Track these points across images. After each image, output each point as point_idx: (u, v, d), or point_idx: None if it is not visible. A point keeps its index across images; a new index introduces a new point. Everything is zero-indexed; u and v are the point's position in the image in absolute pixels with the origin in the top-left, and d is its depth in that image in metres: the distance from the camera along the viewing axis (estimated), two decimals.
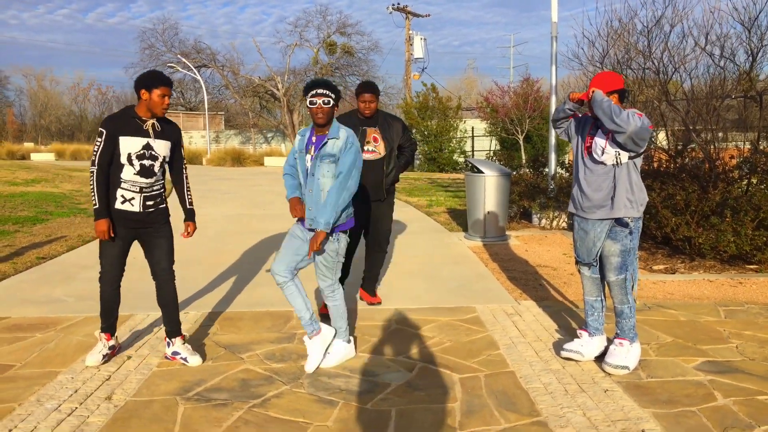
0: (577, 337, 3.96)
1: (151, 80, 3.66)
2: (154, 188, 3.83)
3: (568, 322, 4.72)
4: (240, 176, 20.38)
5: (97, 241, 7.90)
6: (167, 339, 3.99)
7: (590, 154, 3.71)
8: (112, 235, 3.73)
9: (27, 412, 3.21)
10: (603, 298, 3.96)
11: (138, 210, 3.78)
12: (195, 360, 3.90)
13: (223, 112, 42.95)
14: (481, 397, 3.42)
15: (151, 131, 3.75)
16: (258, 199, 13.12)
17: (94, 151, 3.67)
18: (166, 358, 3.97)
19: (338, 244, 3.80)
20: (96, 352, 3.88)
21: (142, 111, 3.72)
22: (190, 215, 4.06)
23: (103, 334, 3.93)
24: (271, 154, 29.69)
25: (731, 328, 4.54)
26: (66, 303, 5.25)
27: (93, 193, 3.67)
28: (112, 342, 3.96)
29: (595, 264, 3.86)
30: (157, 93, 3.67)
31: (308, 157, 3.78)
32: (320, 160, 3.70)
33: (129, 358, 3.99)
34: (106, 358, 3.91)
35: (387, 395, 3.45)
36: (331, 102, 3.69)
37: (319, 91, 3.67)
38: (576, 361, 3.89)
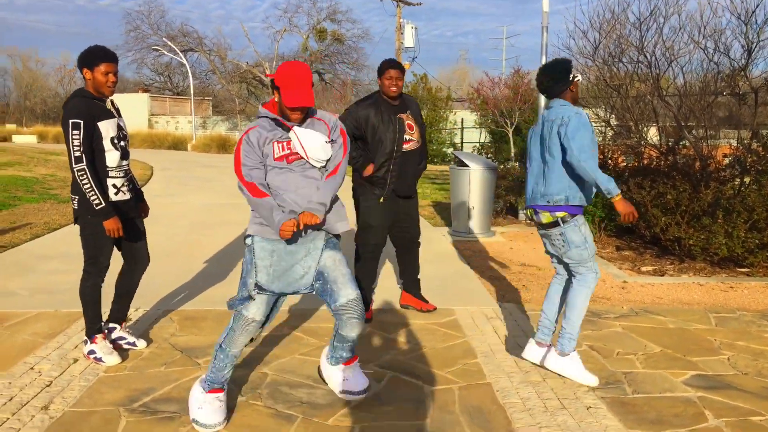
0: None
1: (92, 58, 3.38)
2: (130, 170, 3.68)
3: None
4: (224, 163, 19.97)
5: (66, 230, 7.56)
6: (110, 324, 3.84)
7: None
8: (122, 233, 3.48)
9: None
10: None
11: (129, 197, 3.62)
12: (141, 343, 3.87)
13: (210, 98, 42.31)
14: (453, 413, 3.14)
15: (113, 110, 3.56)
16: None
17: (75, 146, 3.32)
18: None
19: None
20: (107, 353, 3.61)
21: (92, 90, 3.46)
22: (140, 197, 3.85)
23: (99, 335, 3.64)
24: None
25: (722, 337, 4.29)
26: (19, 297, 4.92)
27: (93, 192, 3.34)
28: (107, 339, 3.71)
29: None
30: (100, 71, 3.39)
31: None
32: None
33: (75, 361, 3.67)
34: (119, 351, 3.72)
35: (351, 409, 3.16)
36: None
37: None
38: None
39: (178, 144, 29.17)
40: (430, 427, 3.00)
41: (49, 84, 57.02)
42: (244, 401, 3.22)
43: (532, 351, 3.63)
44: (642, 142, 8.04)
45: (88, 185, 3.33)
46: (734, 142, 7.69)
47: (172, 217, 8.78)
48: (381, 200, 4.36)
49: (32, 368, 3.56)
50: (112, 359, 3.59)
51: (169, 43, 32.54)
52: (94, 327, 3.62)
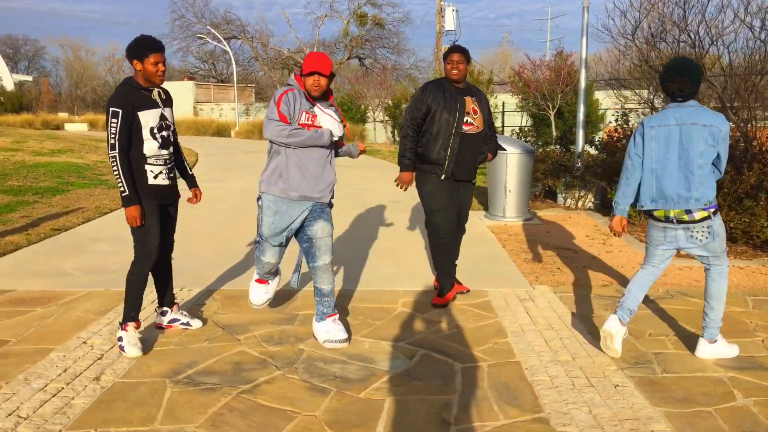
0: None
1: (141, 49, 3.49)
2: (172, 160, 3.80)
3: (584, 309, 4.49)
4: (265, 149, 20.32)
5: (116, 214, 7.91)
6: (163, 309, 4.04)
7: None
8: (140, 222, 3.54)
9: (12, 392, 3.14)
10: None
11: (167, 183, 3.74)
12: (196, 323, 4.05)
13: (253, 85, 42.86)
14: (482, 389, 3.23)
15: (159, 101, 3.66)
16: None
17: (112, 134, 3.42)
18: (161, 327, 4.01)
19: None
20: (131, 344, 3.61)
21: (142, 81, 3.57)
22: (192, 182, 4.09)
23: (132, 324, 3.67)
24: None
25: (759, 320, 4.25)
26: (72, 276, 5.21)
27: (120, 179, 3.44)
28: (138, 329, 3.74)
29: None
30: (150, 62, 3.51)
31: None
32: None
33: None
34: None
35: (382, 384, 3.29)
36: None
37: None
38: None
39: (221, 131, 29.71)
40: (459, 401, 3.10)
41: (98, 73, 58.64)
42: (281, 375, 3.38)
43: (616, 326, 3.59)
44: None
45: (117, 172, 3.45)
46: None
47: (214, 201, 9.05)
48: (443, 178, 4.38)
49: (85, 342, 3.80)
50: (133, 351, 3.59)
51: (213, 30, 33.06)
52: (129, 314, 3.66)
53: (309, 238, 3.75)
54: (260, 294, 4.03)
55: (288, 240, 3.86)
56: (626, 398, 3.13)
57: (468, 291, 4.80)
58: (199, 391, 3.19)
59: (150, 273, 3.78)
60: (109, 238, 6.61)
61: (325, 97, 3.70)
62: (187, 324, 4.03)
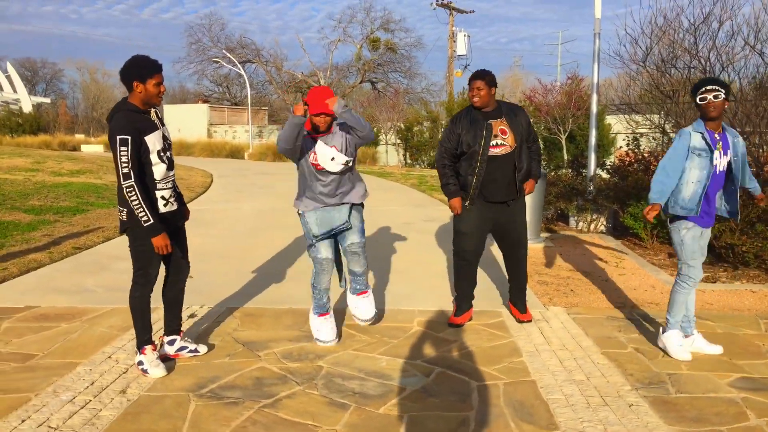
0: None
1: (143, 69, 3.37)
2: (175, 179, 3.73)
3: (597, 330, 4.54)
4: (279, 171, 20.53)
5: None
6: (170, 337, 3.92)
7: None
8: (171, 249, 3.49)
9: (42, 403, 3.24)
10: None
11: (176, 207, 3.67)
12: (203, 348, 3.98)
13: (266, 107, 43.39)
14: (498, 406, 3.30)
15: (157, 121, 3.56)
16: (294, 194, 13.16)
17: (124, 163, 3.30)
18: (169, 358, 3.86)
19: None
20: (153, 365, 3.63)
21: (138, 103, 3.43)
22: (181, 199, 3.87)
23: (148, 347, 3.67)
24: None
25: None
26: (95, 293, 5.33)
27: (141, 209, 3.35)
28: (156, 351, 3.74)
29: None
30: (152, 83, 3.39)
31: (717, 154, 3.88)
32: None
33: None
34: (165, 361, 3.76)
35: (401, 400, 3.36)
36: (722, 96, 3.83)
37: (709, 87, 3.82)
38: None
39: (235, 153, 30.04)
40: (475, 418, 3.17)
41: (114, 95, 59.50)
42: (301, 390, 3.47)
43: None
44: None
45: (137, 201, 3.33)
46: None
47: (230, 222, 9.20)
48: (467, 204, 4.44)
49: (110, 357, 3.90)
50: (158, 372, 3.60)
51: (228, 54, 33.62)
52: (143, 338, 3.65)
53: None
54: (328, 330, 4.23)
55: (335, 237, 4.26)
56: (641, 417, 3.18)
57: (530, 320, 4.71)
58: (222, 405, 3.28)
59: (162, 297, 3.83)
60: (129, 257, 6.73)
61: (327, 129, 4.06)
62: (195, 351, 3.92)
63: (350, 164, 4.10)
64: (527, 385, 3.57)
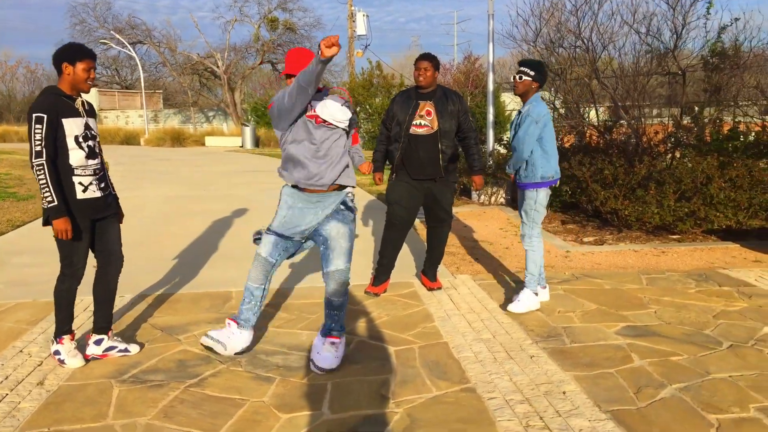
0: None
1: (74, 52, 3.37)
2: (102, 169, 3.62)
3: (501, 293, 4.91)
4: (180, 156, 19.96)
5: (30, 227, 7.68)
6: (97, 336, 3.72)
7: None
8: (71, 235, 3.37)
9: None
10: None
11: (99, 195, 3.55)
12: (134, 348, 3.79)
13: (161, 91, 41.67)
14: (414, 367, 3.54)
15: (81, 110, 3.51)
16: (199, 180, 12.92)
17: (37, 140, 3.26)
18: (95, 357, 3.70)
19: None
20: (71, 356, 3.57)
21: (66, 88, 3.43)
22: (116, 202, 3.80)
23: (66, 336, 3.58)
24: (212, 133, 29.10)
25: (651, 294, 4.81)
26: None
27: (47, 189, 3.26)
28: (74, 341, 3.64)
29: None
30: (81, 67, 3.38)
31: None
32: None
33: None
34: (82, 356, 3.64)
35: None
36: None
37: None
38: (216, 352, 3.69)
39: (130, 139, 28.80)
40: (395, 379, 3.39)
41: None
42: (226, 368, 3.56)
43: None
44: (583, 123, 8.58)
45: (44, 181, 3.28)
46: (667, 120, 8.30)
47: (136, 210, 8.95)
48: (393, 176, 4.76)
49: (21, 351, 3.81)
50: (75, 362, 3.56)
51: (117, 35, 31.95)
52: (63, 328, 3.57)
53: (325, 238, 3.56)
54: (237, 341, 3.66)
55: (299, 240, 3.64)
56: (541, 366, 3.53)
57: (440, 288, 4.99)
58: (146, 388, 3.31)
59: (92, 292, 3.71)
60: (28, 251, 6.47)
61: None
62: (126, 351, 3.75)
63: (353, 123, 3.61)
64: (440, 347, 3.84)
